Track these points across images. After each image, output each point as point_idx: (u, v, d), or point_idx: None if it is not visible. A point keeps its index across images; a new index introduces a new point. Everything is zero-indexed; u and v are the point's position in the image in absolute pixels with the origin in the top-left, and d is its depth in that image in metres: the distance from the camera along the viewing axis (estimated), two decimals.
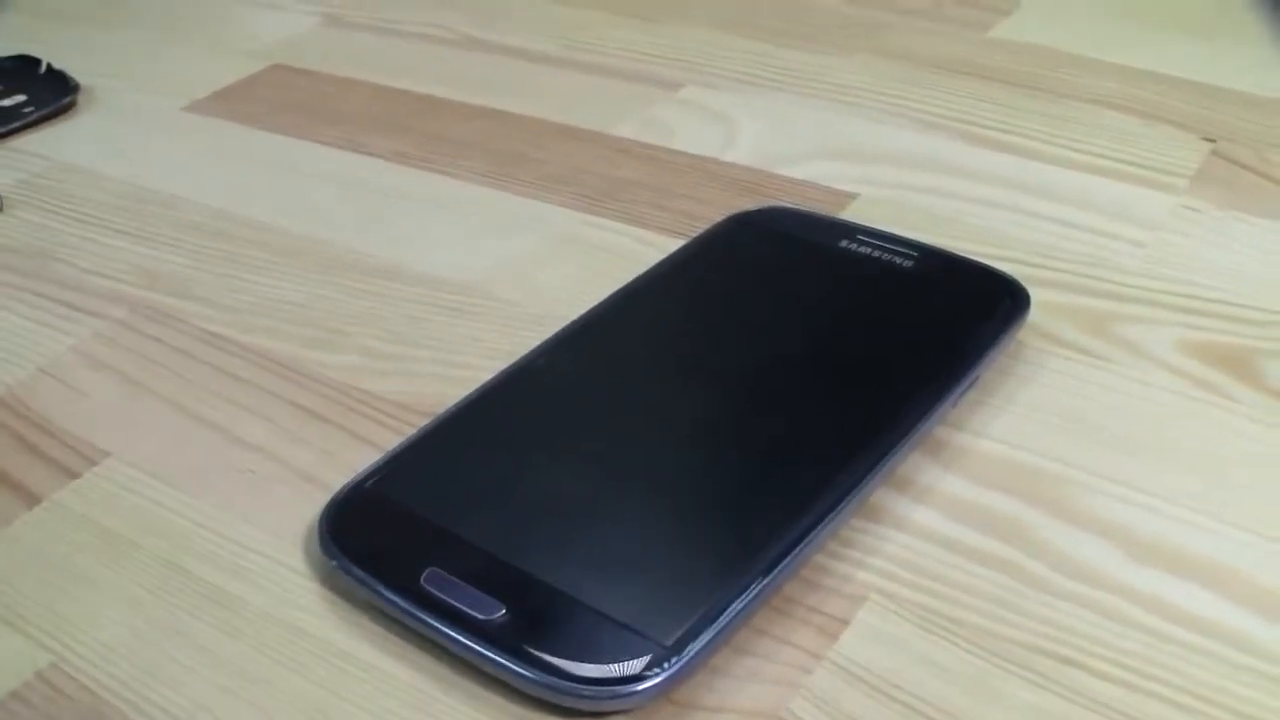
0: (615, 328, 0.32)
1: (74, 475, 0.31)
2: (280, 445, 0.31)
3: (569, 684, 0.23)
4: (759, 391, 0.29)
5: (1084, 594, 0.25)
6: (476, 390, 0.30)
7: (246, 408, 0.32)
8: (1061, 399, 0.31)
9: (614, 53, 0.51)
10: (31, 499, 0.30)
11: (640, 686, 0.23)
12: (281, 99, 0.49)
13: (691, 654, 0.23)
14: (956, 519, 0.27)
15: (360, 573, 0.26)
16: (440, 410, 0.30)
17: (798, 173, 0.41)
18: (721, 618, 0.24)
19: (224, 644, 0.26)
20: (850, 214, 0.39)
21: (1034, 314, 0.33)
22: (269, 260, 0.38)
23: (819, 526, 0.25)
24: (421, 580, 0.25)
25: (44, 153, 0.46)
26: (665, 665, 0.23)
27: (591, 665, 0.23)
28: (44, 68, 0.51)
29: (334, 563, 0.26)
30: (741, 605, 0.24)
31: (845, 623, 0.25)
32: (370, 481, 0.28)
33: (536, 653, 0.23)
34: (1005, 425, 0.30)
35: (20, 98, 0.49)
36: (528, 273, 0.37)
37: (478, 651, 0.24)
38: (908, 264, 0.33)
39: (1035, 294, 0.33)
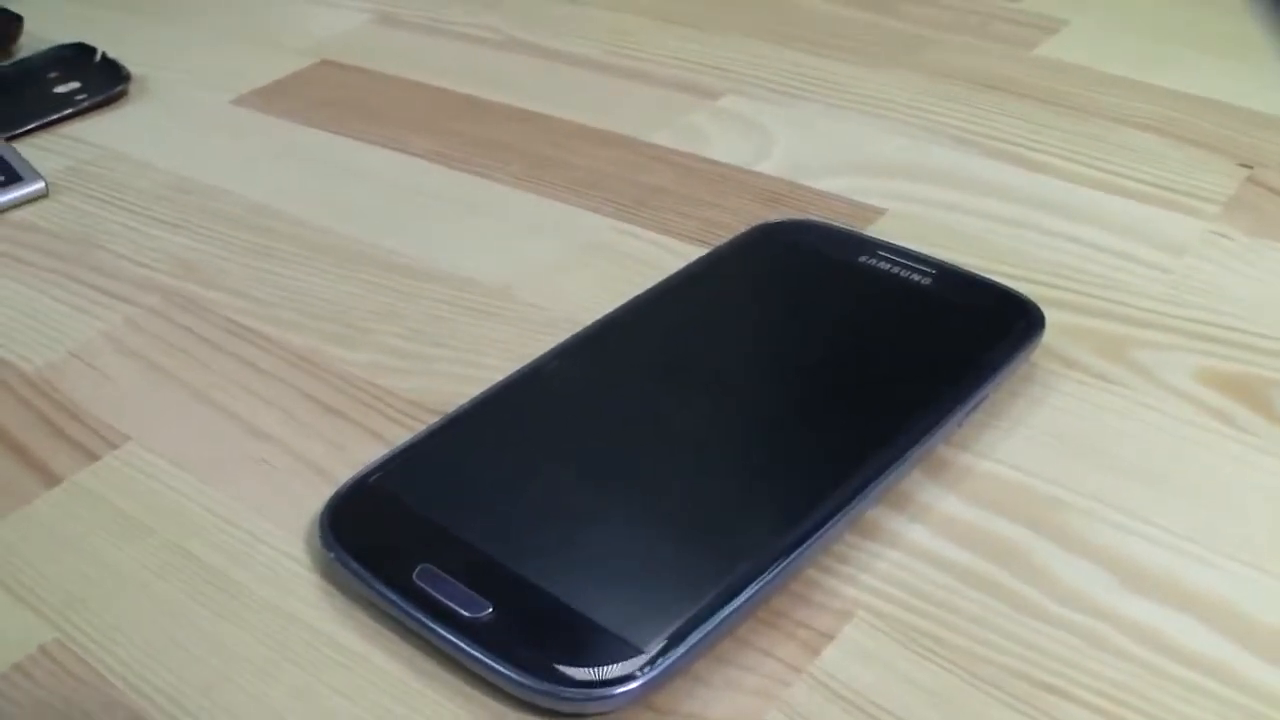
0: (625, 335, 0.32)
1: (94, 458, 0.31)
2: (294, 438, 0.32)
3: (548, 685, 0.23)
4: (761, 403, 0.29)
5: (1074, 621, 0.25)
6: (484, 392, 0.31)
7: (265, 399, 0.33)
8: (1071, 423, 0.30)
9: (656, 59, 0.51)
10: (52, 479, 0.31)
11: (618, 691, 0.23)
12: (327, 96, 0.50)
13: (670, 662, 0.23)
14: (952, 539, 0.27)
15: (355, 565, 0.26)
16: (449, 410, 0.30)
17: (828, 186, 0.41)
18: (703, 628, 0.24)
19: (223, 629, 0.26)
20: (877, 229, 0.38)
21: (1051, 336, 0.33)
22: (301, 254, 0.39)
23: (807, 542, 0.26)
24: (414, 576, 0.26)
25: (94, 140, 0.47)
26: (644, 671, 0.23)
27: (572, 668, 0.23)
28: (99, 56, 0.52)
29: (331, 555, 0.27)
30: (724, 616, 0.24)
31: (830, 638, 0.25)
32: (373, 477, 0.28)
33: (518, 652, 0.24)
34: (1011, 447, 0.30)
35: (74, 84, 0.50)
36: (551, 277, 0.37)
37: (461, 648, 0.24)
38: (925, 282, 0.33)
39: (1053, 316, 0.33)
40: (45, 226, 0.42)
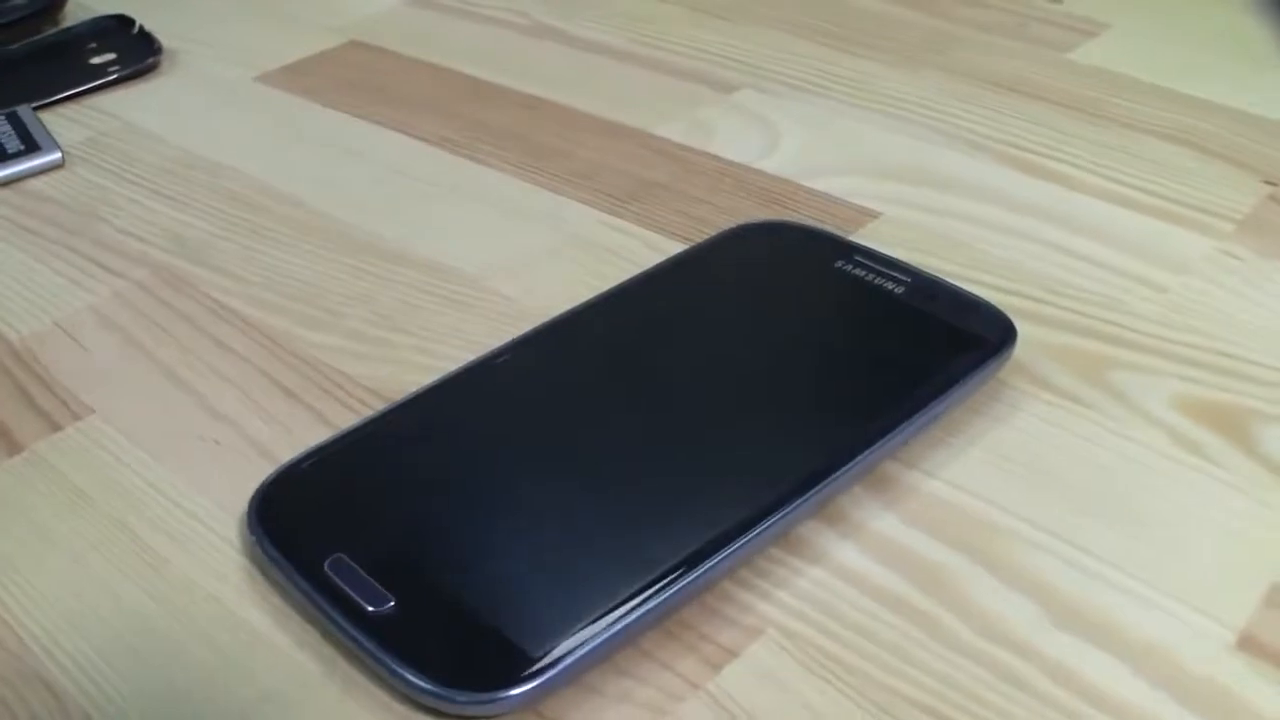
0: (576, 333, 0.32)
1: (57, 428, 0.32)
2: (248, 419, 0.32)
3: (432, 685, 0.23)
4: (700, 408, 0.29)
5: (992, 656, 0.24)
6: (427, 385, 0.30)
7: (228, 379, 0.33)
8: (1030, 446, 0.29)
9: (679, 50, 0.50)
10: (14, 447, 0.31)
11: (501, 695, 0.23)
12: (348, 77, 0.50)
13: (556, 672, 0.23)
14: (881, 560, 0.26)
15: (272, 550, 0.26)
16: (397, 399, 0.30)
17: (828, 186, 0.40)
18: (595, 639, 0.23)
19: (145, 605, 0.27)
20: (867, 233, 0.37)
21: (1028, 353, 0.32)
22: (290, 236, 0.39)
23: (719, 556, 0.25)
24: (325, 565, 0.25)
25: (116, 112, 0.48)
26: (530, 678, 0.23)
27: (457, 670, 0.23)
28: (136, 28, 0.53)
29: (253, 538, 0.27)
30: (619, 629, 0.24)
31: (734, 655, 0.24)
32: (306, 464, 0.28)
33: (410, 650, 0.24)
34: (961, 467, 0.29)
35: (109, 56, 0.51)
36: (531, 268, 0.37)
37: (357, 640, 0.24)
38: (898, 290, 0.32)
39: (1034, 332, 0.32)
40: (55, 196, 0.43)
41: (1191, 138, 0.42)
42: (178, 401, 0.32)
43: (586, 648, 0.23)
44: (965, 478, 0.28)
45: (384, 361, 0.33)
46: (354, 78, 0.50)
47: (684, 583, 0.24)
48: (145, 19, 0.54)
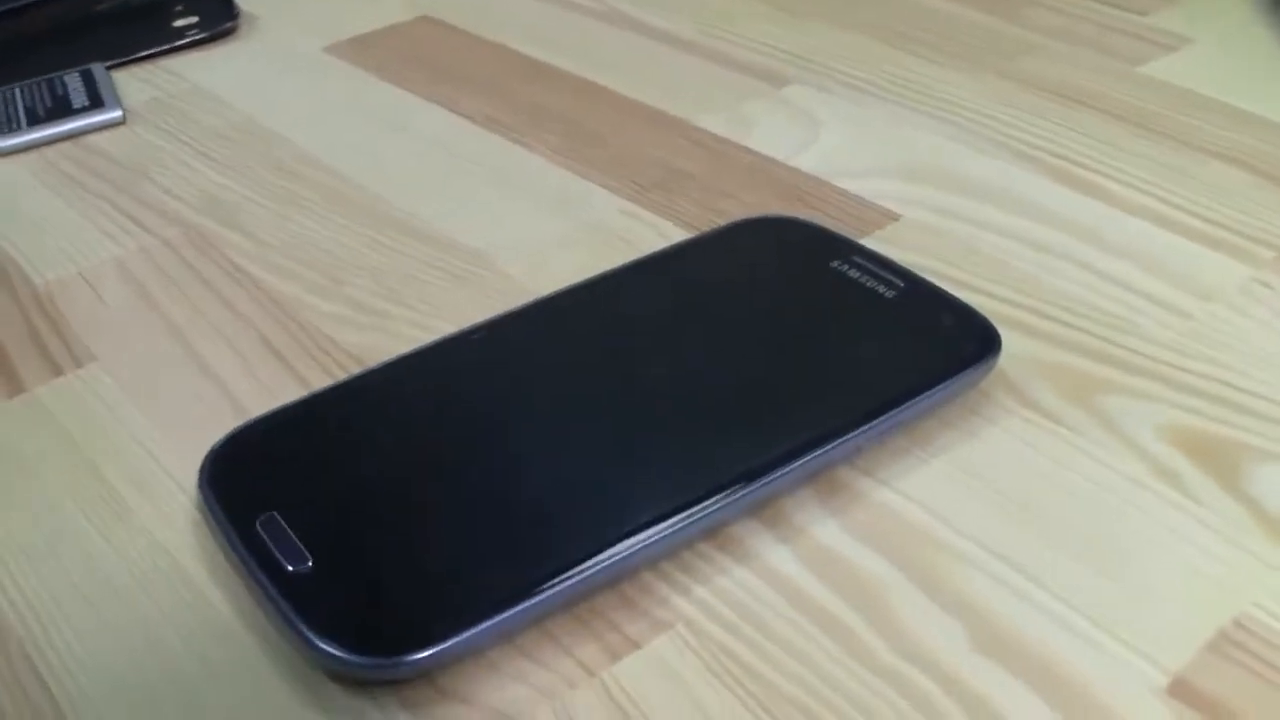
0: (554, 315, 0.32)
1: (59, 373, 0.33)
2: (237, 379, 0.32)
3: (325, 644, 0.23)
4: (651, 397, 0.28)
5: (906, 678, 0.23)
6: (396, 356, 0.31)
7: (228, 339, 0.34)
8: (998, 464, 0.28)
9: (744, 43, 0.50)
10: (16, 388, 0.33)
11: (394, 661, 0.23)
12: (413, 51, 0.51)
13: (449, 645, 0.23)
14: (813, 568, 0.26)
15: (215, 505, 0.27)
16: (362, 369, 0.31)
17: (858, 187, 0.39)
18: (494, 616, 0.23)
19: (101, 551, 0.27)
20: (884, 235, 0.36)
21: (1019, 369, 0.30)
22: (321, 205, 0.40)
23: (632, 544, 0.24)
24: (257, 523, 0.26)
25: (186, 74, 0.49)
26: (421, 650, 0.23)
27: (353, 632, 0.23)
28: None
29: (200, 493, 0.27)
30: (520, 609, 0.23)
31: (637, 646, 0.24)
32: (262, 426, 0.29)
33: (313, 609, 0.24)
34: (920, 480, 0.28)
35: (193, 19, 0.53)
36: (541, 251, 0.37)
37: (269, 595, 0.24)
38: (889, 294, 0.31)
39: (1030, 348, 0.31)
40: (111, 152, 0.44)
41: (1251, 160, 0.39)
42: (175, 358, 0.33)
43: (481, 626, 0.23)
44: (921, 491, 0.27)
45: (376, 331, 0.34)
46: (418, 53, 0.50)
47: (592, 570, 0.24)
48: None
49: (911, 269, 0.32)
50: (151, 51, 0.51)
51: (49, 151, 0.45)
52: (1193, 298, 0.33)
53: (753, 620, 0.25)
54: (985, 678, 0.23)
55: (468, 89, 0.47)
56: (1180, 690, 0.23)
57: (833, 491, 0.27)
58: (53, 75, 0.49)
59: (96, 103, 0.46)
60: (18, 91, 0.47)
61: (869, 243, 0.36)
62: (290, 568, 0.25)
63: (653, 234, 0.37)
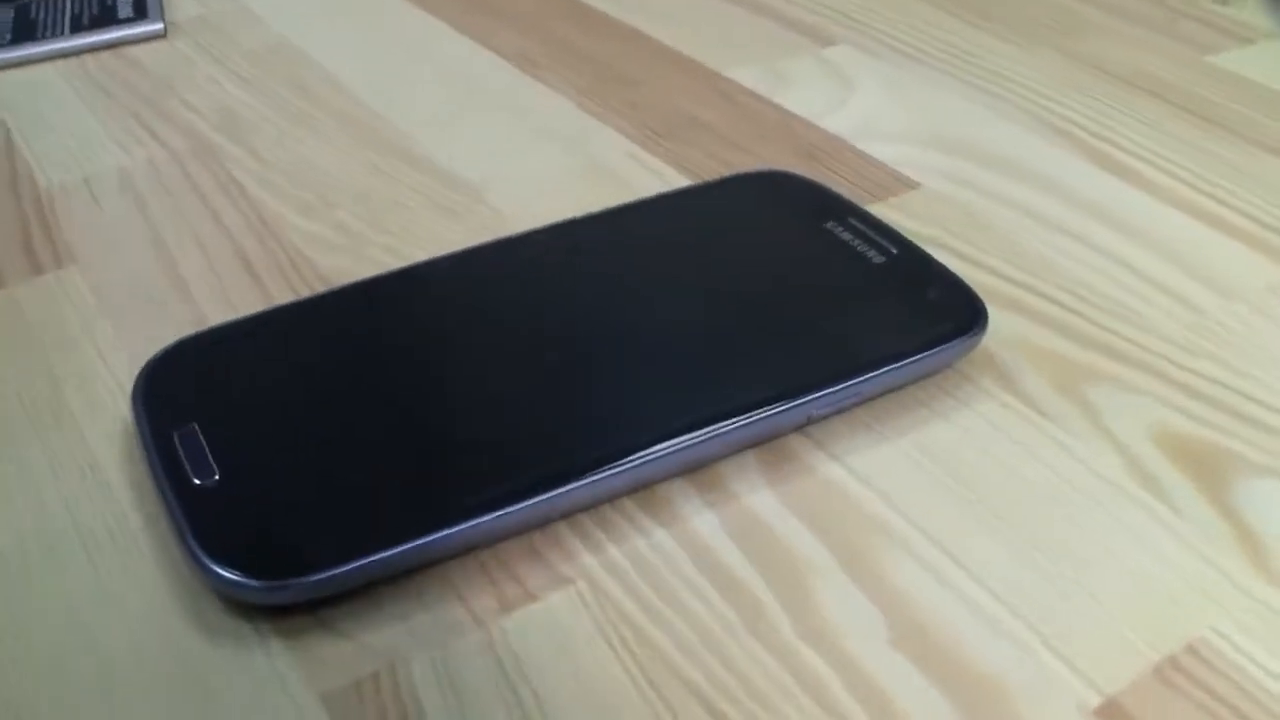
0: (523, 252, 0.30)
1: (39, 273, 0.33)
2: (204, 291, 0.32)
3: (215, 565, 0.22)
4: (605, 345, 0.27)
5: (804, 661, 0.22)
6: (354, 281, 0.30)
7: (208, 253, 0.33)
8: (961, 448, 0.26)
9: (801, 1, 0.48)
10: None
11: (270, 584, 0.22)
12: None
13: (332, 573, 0.22)
14: (736, 538, 0.24)
15: (142, 413, 0.26)
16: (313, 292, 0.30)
17: (880, 151, 0.37)
18: (382, 551, 0.22)
19: (32, 455, 0.27)
20: (896, 202, 0.34)
21: (1006, 350, 0.28)
22: (331, 128, 0.39)
23: (544, 495, 0.23)
24: (176, 435, 0.25)
25: None
26: (303, 575, 0.22)
27: (238, 551, 0.22)
28: None
29: (130, 404, 0.27)
30: (410, 546, 0.22)
31: (533, 599, 0.23)
32: (206, 339, 0.28)
33: (208, 528, 0.23)
34: (874, 458, 0.26)
35: None
36: (537, 188, 0.36)
37: (169, 504, 0.24)
38: (879, 259, 0.30)
39: (1022, 329, 0.29)
40: (146, 64, 0.44)
41: None
42: (150, 265, 0.33)
43: (364, 561, 0.22)
44: (872, 469, 0.26)
45: (350, 255, 0.33)
46: None
47: (496, 516, 0.23)
48: None
49: (912, 238, 0.31)
50: None
51: (89, 60, 0.45)
52: (1211, 294, 0.31)
53: (657, 585, 0.23)
54: (894, 674, 0.22)
55: (507, 24, 0.46)
56: (1110, 713, 0.21)
57: (779, 461, 0.26)
58: None
59: (141, 14, 0.46)
60: None
61: (879, 209, 0.34)
62: (196, 481, 0.24)
63: (655, 181, 0.36)
